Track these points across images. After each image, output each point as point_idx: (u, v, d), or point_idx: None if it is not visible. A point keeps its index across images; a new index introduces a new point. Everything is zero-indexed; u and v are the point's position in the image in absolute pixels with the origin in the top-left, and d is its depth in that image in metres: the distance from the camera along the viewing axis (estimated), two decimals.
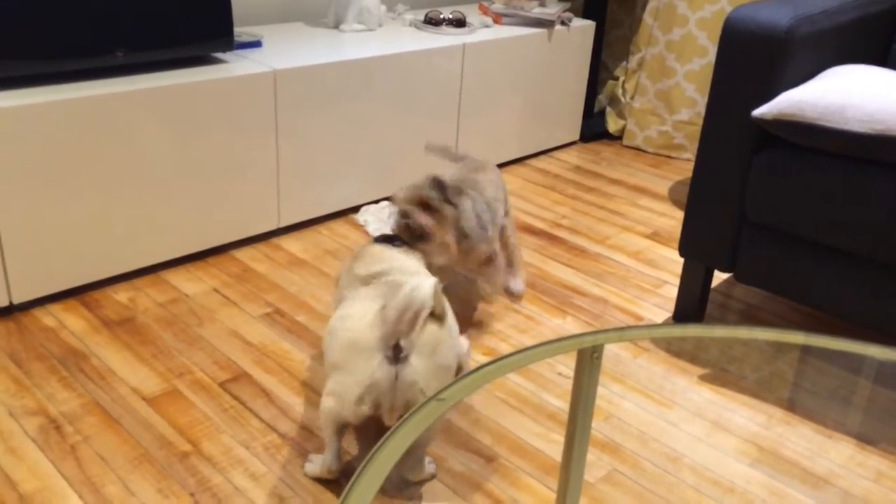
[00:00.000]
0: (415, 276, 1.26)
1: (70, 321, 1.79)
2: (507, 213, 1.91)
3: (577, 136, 3.24)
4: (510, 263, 1.92)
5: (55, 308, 1.83)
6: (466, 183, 1.76)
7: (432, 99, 2.53)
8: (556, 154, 3.12)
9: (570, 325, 1.92)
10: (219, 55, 2.15)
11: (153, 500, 1.32)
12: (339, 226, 2.35)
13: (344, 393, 1.25)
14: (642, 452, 1.52)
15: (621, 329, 1.13)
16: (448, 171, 1.84)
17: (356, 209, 2.44)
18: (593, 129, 3.30)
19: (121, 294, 1.92)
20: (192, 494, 1.34)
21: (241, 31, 2.37)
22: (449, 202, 1.64)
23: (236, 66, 2.07)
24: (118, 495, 1.32)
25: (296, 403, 1.59)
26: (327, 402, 1.28)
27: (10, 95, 1.70)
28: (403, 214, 1.62)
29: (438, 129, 2.60)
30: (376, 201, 2.48)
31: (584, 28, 3.03)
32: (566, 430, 1.04)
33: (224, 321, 1.84)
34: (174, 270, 2.04)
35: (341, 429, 1.32)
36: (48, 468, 1.37)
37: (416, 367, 1.24)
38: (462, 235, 1.68)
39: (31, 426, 1.46)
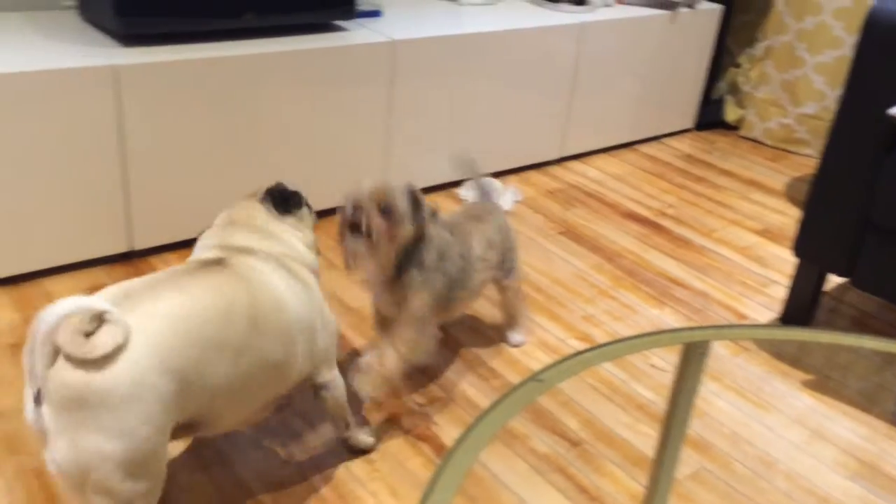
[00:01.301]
0: (71, 298, 0.92)
1: None
2: (510, 273, 1.66)
3: (691, 124, 3.14)
4: (509, 320, 1.74)
5: (171, 257, 1.94)
6: (455, 228, 1.52)
7: (546, 77, 2.51)
8: (668, 141, 3.03)
9: (667, 318, 1.88)
10: (340, 23, 2.19)
11: (251, 443, 1.39)
12: (441, 199, 2.38)
13: None
14: (734, 453, 1.48)
15: (732, 327, 1.10)
16: (456, 211, 1.66)
17: (458, 183, 2.46)
18: (709, 118, 3.19)
19: None
20: (284, 446, 1.40)
21: (362, 0, 2.41)
22: (414, 221, 1.37)
23: (356, 34, 2.11)
24: (215, 438, 1.40)
25: None
26: None
27: (144, 52, 1.79)
28: (356, 206, 1.33)
29: (549, 109, 2.58)
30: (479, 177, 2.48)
31: (710, 11, 2.92)
32: (662, 424, 1.03)
33: (325, 283, 1.90)
34: None
35: None
36: None
37: (46, 416, 0.93)
38: (407, 262, 1.40)
39: None
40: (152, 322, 0.98)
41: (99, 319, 0.94)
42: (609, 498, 1.35)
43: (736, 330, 1.24)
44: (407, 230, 1.36)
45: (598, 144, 2.83)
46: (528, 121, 2.54)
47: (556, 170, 2.67)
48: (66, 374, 0.92)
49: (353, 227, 1.33)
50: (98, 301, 0.95)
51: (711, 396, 1.63)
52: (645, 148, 2.94)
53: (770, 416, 1.58)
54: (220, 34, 1.94)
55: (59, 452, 0.93)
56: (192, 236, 1.98)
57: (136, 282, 1.05)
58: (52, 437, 0.93)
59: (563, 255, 2.13)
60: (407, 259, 1.39)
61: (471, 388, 1.59)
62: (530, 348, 1.73)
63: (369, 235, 1.32)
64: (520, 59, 2.41)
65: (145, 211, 1.87)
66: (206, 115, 1.87)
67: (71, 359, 0.91)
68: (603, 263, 2.10)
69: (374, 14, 2.31)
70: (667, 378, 1.67)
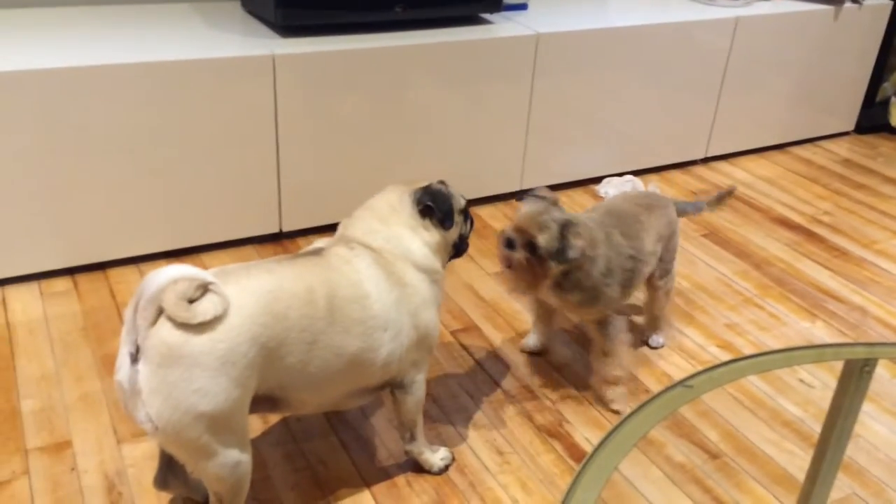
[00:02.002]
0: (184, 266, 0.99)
1: None
2: (666, 273, 1.60)
3: (851, 127, 2.94)
4: (653, 321, 1.68)
5: (315, 240, 2.00)
6: (626, 219, 1.49)
7: (694, 74, 2.41)
8: (824, 144, 2.85)
9: (818, 331, 1.77)
10: (486, 16, 2.19)
11: (384, 429, 1.42)
12: (579, 195, 2.34)
13: None
14: (890, 481, 1.37)
15: (891, 345, 1.01)
16: (618, 195, 1.61)
17: (598, 180, 2.41)
18: (872, 121, 2.97)
19: None
20: None
21: None
22: (560, 260, 1.33)
23: (501, 27, 2.11)
24: (356, 419, 1.44)
25: (520, 363, 1.62)
26: None
27: (300, 43, 1.86)
28: (508, 239, 1.34)
29: (695, 107, 2.48)
30: (620, 174, 2.43)
31: (878, 7, 2.71)
32: (818, 442, 0.96)
33: (461, 273, 1.91)
34: None
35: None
36: None
37: (143, 373, 0.98)
38: (575, 287, 1.39)
39: None
40: (246, 296, 1.04)
41: (203, 289, 0.99)
42: None
43: (894, 349, 1.14)
44: (552, 269, 1.34)
45: (747, 145, 2.69)
46: (672, 118, 2.45)
47: (700, 170, 2.57)
48: (166, 333, 0.97)
49: (506, 260, 1.36)
50: (204, 272, 1.01)
51: (867, 419, 1.52)
52: (798, 150, 2.78)
53: None
54: (372, 26, 1.99)
55: (154, 408, 0.98)
56: (336, 220, 2.06)
57: (231, 265, 1.12)
58: (147, 395, 0.98)
59: (706, 258, 2.05)
60: (567, 282, 1.37)
61: (606, 389, 1.55)
62: (667, 353, 1.67)
63: (518, 269, 1.34)
64: (667, 55, 2.33)
65: (294, 195, 1.95)
66: (356, 105, 1.93)
67: (173, 321, 0.97)
68: (749, 270, 2.00)
69: (521, 7, 2.30)
70: (815, 395, 1.57)
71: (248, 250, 1.94)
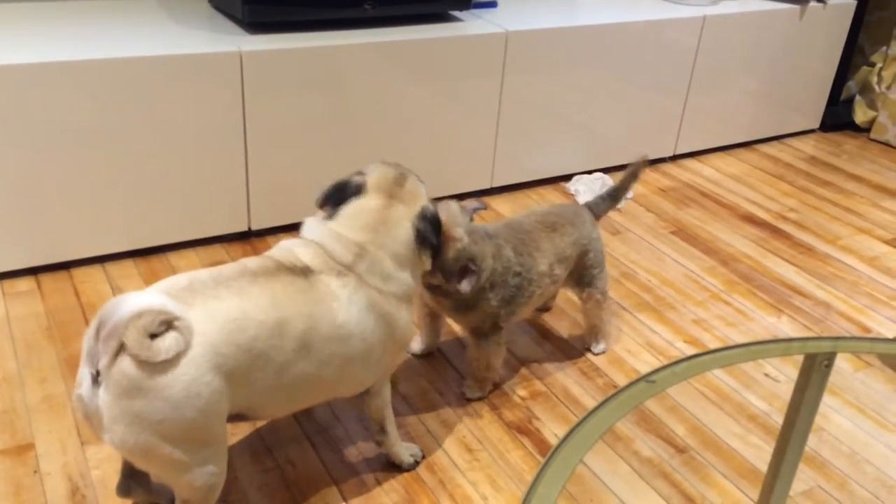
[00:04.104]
0: (137, 293, 0.97)
1: None
2: (589, 285, 1.57)
3: (816, 125, 2.98)
4: (590, 329, 1.65)
5: (284, 238, 1.99)
6: (523, 238, 1.46)
7: (662, 72, 2.43)
8: (790, 141, 2.89)
9: (784, 327, 1.80)
10: (456, 14, 2.19)
11: (354, 428, 1.42)
12: (549, 192, 2.35)
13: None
14: (852, 474, 1.40)
15: (854, 339, 1.03)
16: (527, 212, 1.56)
17: (568, 177, 2.42)
18: (837, 119, 3.02)
19: None
20: None
21: None
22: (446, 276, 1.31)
23: (471, 25, 2.11)
24: (324, 417, 1.43)
25: None
26: None
27: (268, 39, 1.84)
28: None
29: (664, 105, 2.50)
30: (589, 172, 2.44)
31: (842, 7, 2.76)
32: (779, 435, 0.98)
33: None
34: None
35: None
36: None
37: (104, 399, 0.98)
38: (450, 293, 1.37)
39: None
40: (210, 324, 1.00)
41: (167, 324, 0.96)
42: None
43: (858, 343, 1.16)
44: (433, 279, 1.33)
45: (715, 143, 2.72)
46: (641, 116, 2.47)
47: (669, 167, 2.59)
48: (127, 367, 0.95)
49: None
50: (168, 305, 0.96)
51: (830, 412, 1.55)
52: (765, 148, 2.82)
53: (893, 437, 1.49)
54: (341, 23, 1.98)
55: (117, 436, 0.98)
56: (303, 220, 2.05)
57: (202, 274, 1.07)
58: (109, 422, 0.97)
59: (674, 255, 2.07)
60: (450, 278, 1.32)
61: (574, 385, 1.56)
62: (636, 349, 1.69)
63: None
64: (636, 53, 2.35)
65: (263, 193, 1.94)
66: (324, 102, 1.92)
67: (134, 358, 0.95)
68: (716, 266, 2.03)
69: (491, 5, 2.30)
70: (780, 389, 1.60)
71: (216, 249, 1.92)
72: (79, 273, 1.79)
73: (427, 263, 1.25)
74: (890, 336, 1.80)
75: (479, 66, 2.09)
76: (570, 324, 1.75)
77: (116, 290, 1.74)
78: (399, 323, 1.19)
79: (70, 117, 1.66)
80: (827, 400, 1.57)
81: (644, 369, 1.61)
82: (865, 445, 1.47)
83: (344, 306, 1.12)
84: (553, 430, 1.45)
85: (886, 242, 2.22)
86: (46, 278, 1.76)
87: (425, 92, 2.04)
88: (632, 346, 1.69)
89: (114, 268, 1.82)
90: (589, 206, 1.61)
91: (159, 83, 1.71)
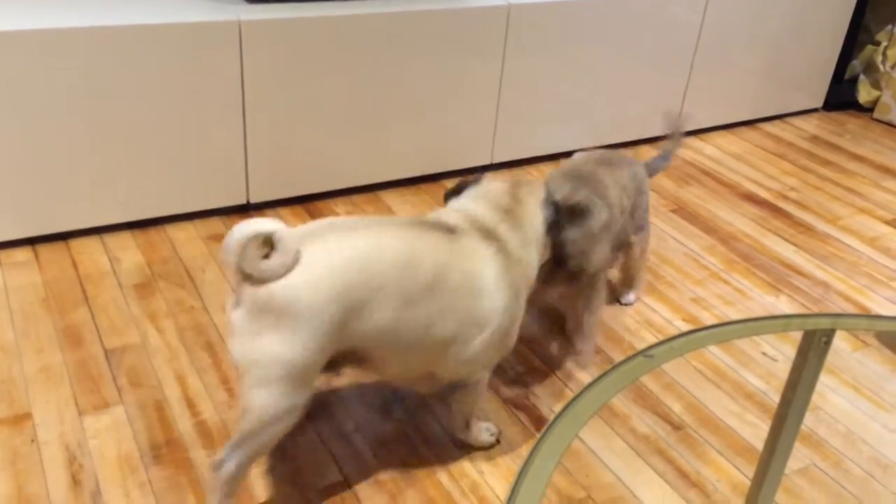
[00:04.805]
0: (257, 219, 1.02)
1: (295, 225, 1.93)
2: (640, 228, 1.62)
3: (819, 104, 2.96)
4: (627, 279, 1.71)
5: (284, 212, 1.99)
6: (587, 179, 1.45)
7: (665, 48, 2.41)
8: (793, 120, 2.87)
9: (783, 306, 1.79)
10: None
11: (352, 400, 1.42)
12: (548, 169, 2.34)
13: None
14: (848, 452, 1.40)
15: (852, 316, 1.03)
16: (573, 158, 1.57)
17: (569, 154, 2.40)
18: (841, 98, 3.00)
19: (340, 207, 2.04)
20: (385, 403, 1.42)
21: None
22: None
23: None
24: (322, 389, 1.44)
25: None
26: None
27: (267, 9, 1.82)
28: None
29: (666, 82, 2.48)
30: (591, 149, 2.42)
31: None
32: (776, 412, 0.98)
33: None
34: (389, 192, 2.13)
35: None
36: None
37: (236, 319, 1.04)
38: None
39: None
40: (338, 255, 1.04)
41: (270, 245, 1.01)
42: (710, 486, 1.31)
43: (856, 320, 1.16)
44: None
45: (717, 121, 2.71)
46: (643, 93, 2.45)
47: None
48: (253, 288, 1.02)
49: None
50: (273, 226, 1.01)
51: (827, 391, 1.55)
52: (767, 126, 2.80)
53: (890, 417, 1.49)
54: None
55: (237, 347, 1.04)
56: (306, 192, 2.05)
57: (348, 217, 1.13)
58: (235, 337, 1.04)
59: (674, 234, 2.06)
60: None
61: (572, 363, 1.56)
62: (635, 327, 1.68)
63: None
64: (640, 29, 2.32)
65: (262, 166, 1.93)
66: (324, 73, 1.90)
67: (248, 277, 1.01)
68: (716, 245, 2.02)
69: None
70: (778, 368, 1.60)
71: (214, 222, 1.92)
72: (76, 244, 1.78)
73: (548, 252, 1.26)
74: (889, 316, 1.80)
75: (480, 38, 2.07)
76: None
77: (114, 262, 1.73)
78: (520, 304, 1.20)
79: (67, 87, 1.64)
80: (824, 379, 1.58)
81: (642, 346, 1.61)
82: (861, 425, 1.47)
83: (482, 263, 1.15)
84: (550, 406, 1.45)
85: (887, 223, 2.21)
86: (44, 249, 1.75)
87: (426, 64, 2.02)
88: (630, 324, 1.69)
89: (111, 239, 1.81)
90: (646, 164, 1.69)
91: (157, 52, 1.70)
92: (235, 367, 1.07)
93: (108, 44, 1.64)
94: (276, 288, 1.00)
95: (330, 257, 1.04)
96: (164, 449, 1.29)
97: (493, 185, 1.26)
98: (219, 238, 1.85)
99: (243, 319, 1.03)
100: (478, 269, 1.14)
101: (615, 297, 1.73)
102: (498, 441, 1.34)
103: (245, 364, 1.03)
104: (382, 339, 1.10)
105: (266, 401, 1.04)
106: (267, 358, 1.03)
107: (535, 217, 1.23)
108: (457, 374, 1.21)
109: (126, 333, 1.53)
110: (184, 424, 1.34)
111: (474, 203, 1.23)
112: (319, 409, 1.40)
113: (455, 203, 1.25)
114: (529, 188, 1.26)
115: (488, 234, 1.18)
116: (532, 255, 1.22)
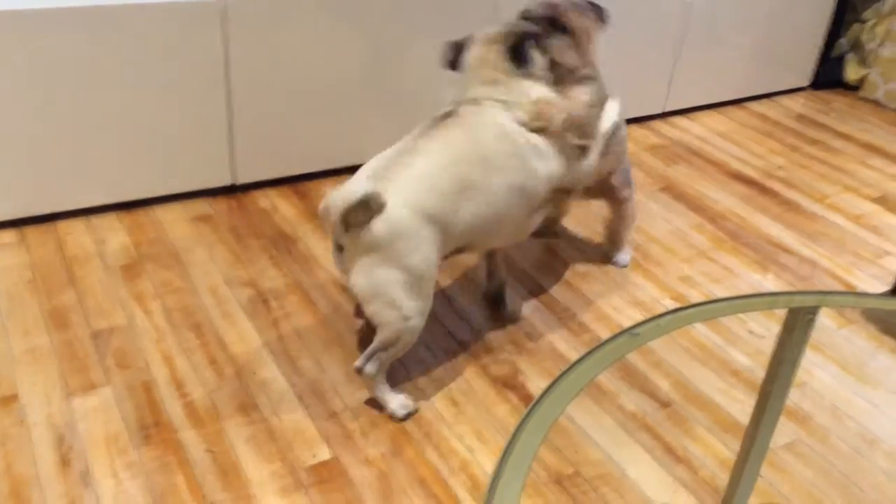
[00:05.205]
0: (350, 184, 1.25)
1: (283, 206, 1.93)
2: (625, 180, 1.72)
3: (807, 82, 2.97)
4: (617, 239, 1.80)
5: (271, 192, 1.98)
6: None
7: (653, 27, 2.40)
8: (780, 99, 2.88)
9: (770, 284, 1.80)
10: None
11: (340, 380, 1.42)
12: None
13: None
14: (834, 428, 1.42)
15: (838, 293, 1.04)
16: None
17: None
18: (828, 76, 3.00)
19: (328, 187, 2.02)
20: None
21: None
22: (596, 15, 1.50)
23: None
24: (311, 370, 1.44)
25: (477, 315, 1.62)
26: None
27: None
28: (549, 4, 1.46)
29: (654, 61, 2.47)
30: None
31: None
32: (761, 389, 0.99)
33: None
34: None
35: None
36: (254, 335, 1.51)
37: (349, 262, 1.28)
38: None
39: (243, 296, 1.61)
40: (409, 186, 1.26)
41: (366, 202, 1.21)
42: (697, 461, 1.32)
43: (842, 297, 1.17)
44: (599, 24, 1.50)
45: (705, 100, 2.71)
46: (631, 72, 2.45)
47: (658, 125, 2.58)
48: (358, 232, 1.23)
49: (554, 24, 1.45)
50: (366, 186, 1.22)
51: (813, 367, 1.56)
52: (755, 106, 2.80)
53: (875, 393, 1.51)
54: None
55: (358, 282, 1.27)
56: (294, 173, 2.04)
57: (388, 154, 1.32)
58: (353, 273, 1.27)
59: (662, 212, 2.07)
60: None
61: (560, 341, 1.57)
62: (623, 305, 1.69)
63: (572, 33, 1.45)
64: (628, 8, 2.31)
65: (248, 146, 1.91)
66: (310, 52, 1.88)
67: (352, 224, 1.23)
68: (704, 224, 2.03)
69: None
70: (765, 345, 1.61)
71: (201, 203, 1.91)
72: (63, 225, 1.77)
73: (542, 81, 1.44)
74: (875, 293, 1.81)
75: (469, 19, 2.05)
76: (556, 281, 1.76)
77: (100, 243, 1.72)
78: (547, 157, 1.41)
79: (50, 68, 1.62)
80: (810, 356, 1.59)
81: (628, 325, 1.61)
82: (847, 401, 1.49)
83: (490, 116, 1.37)
84: (538, 385, 1.46)
85: (873, 200, 2.22)
86: (31, 230, 1.74)
87: (415, 42, 2.01)
88: (618, 303, 1.70)
89: (98, 220, 1.80)
90: None
91: (141, 32, 1.67)
92: (357, 296, 1.29)
93: (91, 24, 1.62)
94: (378, 230, 1.22)
95: (403, 193, 1.25)
96: (152, 430, 1.28)
97: (474, 58, 1.44)
98: (205, 219, 1.84)
99: (354, 262, 1.26)
100: (491, 120, 1.36)
101: (610, 261, 1.83)
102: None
103: (369, 292, 1.27)
104: (481, 226, 1.34)
105: (399, 316, 1.27)
106: (385, 283, 1.26)
107: (497, 64, 1.41)
108: (551, 190, 1.44)
109: (113, 315, 1.52)
110: (172, 405, 1.34)
111: (466, 88, 1.43)
112: (308, 390, 1.40)
113: (453, 94, 1.44)
114: (498, 46, 1.42)
115: (471, 101, 1.39)
116: (533, 89, 1.41)
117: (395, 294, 1.27)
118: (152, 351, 1.44)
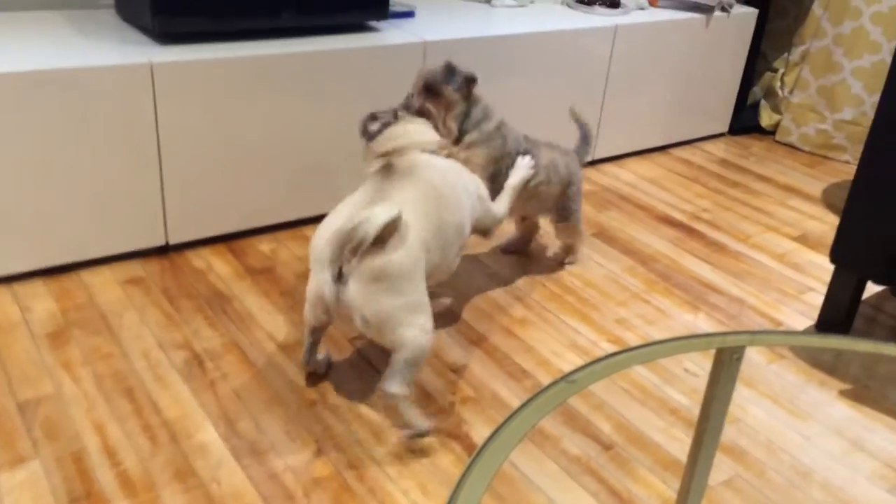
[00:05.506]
0: (377, 205, 1.32)
1: (217, 265, 1.90)
2: (565, 219, 1.94)
3: (725, 129, 3.11)
4: (565, 248, 2.04)
5: (205, 252, 1.95)
6: (529, 141, 1.83)
7: (578, 80, 2.49)
8: (702, 145, 3.00)
9: (701, 323, 1.86)
10: (373, 23, 2.19)
11: (281, 440, 1.39)
12: None
13: (308, 297, 1.42)
14: (769, 462, 1.45)
15: (767, 332, 1.08)
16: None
17: None
18: (744, 123, 3.15)
19: (264, 245, 2.02)
20: (316, 441, 1.40)
21: (395, 1, 2.41)
22: (457, 90, 1.67)
23: (389, 35, 2.12)
24: (250, 432, 1.40)
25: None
26: (306, 303, 1.44)
27: (180, 51, 1.81)
28: (407, 97, 1.67)
29: (582, 112, 2.55)
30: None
31: (745, 15, 2.89)
32: (696, 429, 1.01)
33: None
34: (314, 228, 2.11)
35: (314, 329, 1.48)
36: (189, 398, 1.47)
37: (353, 290, 1.31)
38: (467, 126, 1.71)
39: (178, 358, 1.57)
40: (416, 219, 1.37)
41: (394, 226, 1.30)
42: (640, 502, 1.33)
43: (771, 336, 1.22)
44: (450, 97, 1.66)
45: (631, 147, 2.81)
46: (559, 123, 2.52)
47: (588, 172, 2.65)
48: (372, 260, 1.30)
49: (417, 113, 1.63)
50: (390, 212, 1.29)
51: (746, 403, 1.60)
52: (678, 152, 2.92)
53: (806, 426, 1.55)
54: (256, 33, 1.96)
55: (368, 312, 1.32)
56: (226, 231, 2.02)
57: (357, 201, 1.41)
58: (360, 304, 1.32)
59: (595, 257, 2.11)
60: (467, 123, 1.70)
61: (502, 388, 1.58)
62: (561, 350, 1.71)
63: (423, 114, 1.61)
64: (552, 62, 2.40)
65: (180, 206, 1.89)
66: (241, 113, 1.89)
67: (368, 251, 1.29)
68: (636, 267, 2.08)
69: (408, 15, 2.31)
70: (700, 383, 1.65)
71: (133, 265, 1.86)
72: None
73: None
74: (800, 328, 1.88)
75: (397, 75, 2.09)
76: (495, 328, 1.77)
77: (25, 311, 1.66)
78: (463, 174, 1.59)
79: None
80: (744, 392, 1.63)
81: (568, 370, 1.63)
82: (781, 435, 1.53)
83: (430, 162, 1.49)
84: (482, 434, 1.45)
85: (794, 239, 2.32)
86: None
87: (344, 100, 2.03)
88: (557, 348, 1.72)
89: (22, 288, 1.74)
90: (576, 151, 2.00)
91: (68, 97, 1.65)
92: (364, 324, 1.33)
93: (17, 89, 1.59)
94: (391, 261, 1.31)
95: (409, 231, 1.35)
96: (83, 502, 1.23)
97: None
98: (137, 281, 1.80)
99: (361, 290, 1.31)
100: (438, 165, 1.51)
101: (558, 262, 2.05)
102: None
103: (379, 318, 1.33)
104: (439, 257, 1.45)
105: (415, 335, 1.35)
106: (394, 308, 1.33)
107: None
108: (474, 229, 1.61)
109: (40, 384, 1.46)
110: (104, 476, 1.28)
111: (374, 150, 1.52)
112: (247, 451, 1.36)
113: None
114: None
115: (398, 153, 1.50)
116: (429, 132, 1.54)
117: (409, 319, 1.34)
118: (82, 420, 1.39)
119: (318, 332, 1.50)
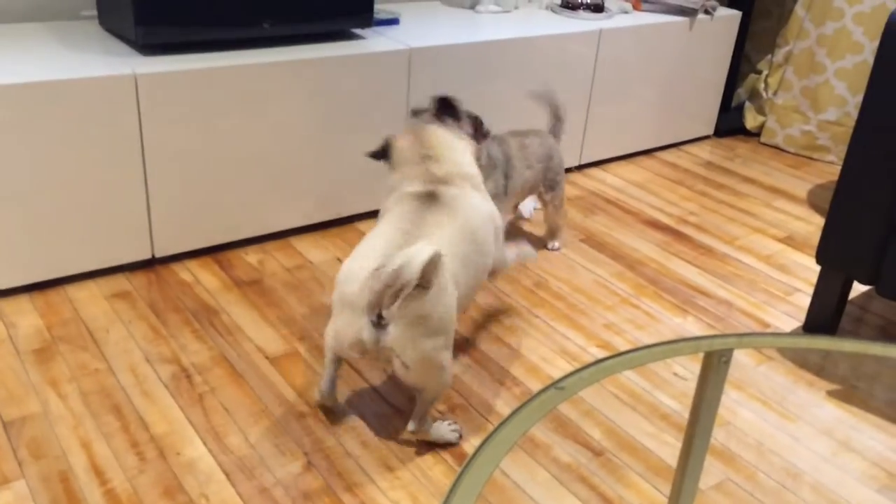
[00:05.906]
0: (413, 247, 1.25)
1: (204, 278, 1.89)
2: (552, 187, 2.08)
3: (711, 131, 3.12)
4: (550, 230, 2.16)
5: (192, 264, 1.94)
6: (499, 139, 1.97)
7: (564, 84, 2.50)
8: (688, 148, 3.01)
9: (690, 326, 1.86)
10: (357, 31, 2.19)
11: (270, 454, 1.38)
12: None
13: (339, 337, 1.36)
14: (759, 465, 1.46)
15: (754, 335, 1.08)
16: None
17: None
18: (729, 125, 3.16)
19: (251, 256, 2.01)
20: (305, 454, 1.39)
21: (379, 9, 2.41)
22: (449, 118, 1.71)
23: (374, 42, 2.11)
24: (239, 446, 1.39)
25: None
26: (328, 337, 1.41)
27: (163, 61, 1.80)
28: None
29: (568, 117, 2.56)
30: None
31: (728, 18, 2.90)
32: (685, 433, 1.01)
33: None
34: (301, 237, 2.11)
35: (337, 360, 1.45)
36: (177, 413, 1.46)
37: (394, 335, 1.28)
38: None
39: (165, 373, 1.56)
40: (448, 259, 1.35)
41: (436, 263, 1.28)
42: None
43: (759, 338, 1.22)
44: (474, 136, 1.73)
45: (618, 151, 2.81)
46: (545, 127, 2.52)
47: (575, 177, 2.66)
48: (413, 303, 1.27)
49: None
50: (427, 249, 1.25)
51: (735, 406, 1.61)
52: (664, 155, 2.93)
53: (796, 427, 1.56)
54: (239, 43, 1.95)
55: (408, 355, 1.31)
56: (213, 243, 2.01)
57: (390, 238, 1.36)
58: (401, 348, 1.29)
59: (583, 262, 2.12)
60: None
61: (492, 397, 1.57)
62: (551, 356, 1.71)
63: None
64: (537, 67, 2.40)
65: (166, 219, 1.88)
66: (224, 123, 1.88)
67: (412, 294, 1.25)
68: (624, 271, 2.09)
69: (392, 22, 2.31)
70: (689, 387, 1.65)
71: (119, 279, 1.85)
72: None
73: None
74: (787, 330, 1.89)
75: (382, 82, 2.09)
76: (485, 336, 1.77)
77: (9, 328, 1.65)
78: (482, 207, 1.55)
79: None
80: (732, 394, 1.64)
81: (558, 375, 1.63)
82: (770, 437, 1.53)
83: (469, 199, 1.48)
84: (473, 443, 1.45)
85: (780, 241, 2.33)
86: None
87: (329, 111, 2.03)
88: (546, 354, 1.72)
89: (7, 304, 1.72)
90: (550, 131, 2.14)
91: (51, 109, 1.64)
92: (403, 367, 1.31)
93: (1, 101, 1.58)
94: (432, 304, 1.30)
95: (446, 271, 1.34)
96: None
97: (400, 146, 1.58)
98: (123, 295, 1.79)
99: (403, 333, 1.28)
100: (470, 203, 1.49)
101: (544, 246, 2.15)
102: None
103: (421, 363, 1.32)
104: (467, 292, 1.45)
105: (445, 375, 1.37)
106: (434, 349, 1.32)
107: (443, 136, 1.58)
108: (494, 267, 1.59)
109: (25, 402, 1.45)
110: (92, 495, 1.27)
111: (418, 168, 1.52)
112: (237, 467, 1.35)
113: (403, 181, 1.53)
114: (426, 115, 1.66)
115: (448, 181, 1.50)
116: (463, 155, 1.58)
117: (443, 358, 1.35)
118: (69, 438, 1.38)
119: (340, 364, 1.47)
